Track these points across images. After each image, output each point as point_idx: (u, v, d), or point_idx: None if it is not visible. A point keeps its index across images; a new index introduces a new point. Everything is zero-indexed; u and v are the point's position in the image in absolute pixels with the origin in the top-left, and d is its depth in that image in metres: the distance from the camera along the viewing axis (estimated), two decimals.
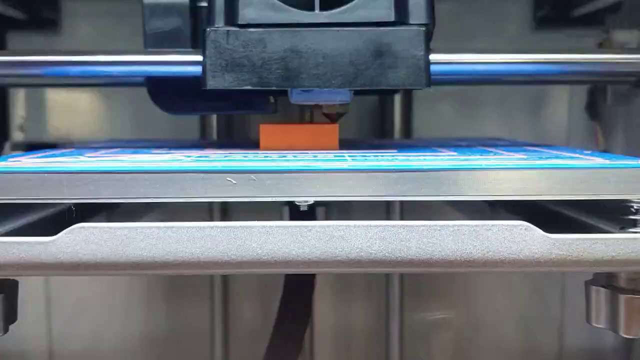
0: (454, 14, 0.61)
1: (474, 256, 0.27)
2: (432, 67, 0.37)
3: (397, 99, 0.61)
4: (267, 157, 0.34)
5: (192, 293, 0.63)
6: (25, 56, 0.42)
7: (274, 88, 0.36)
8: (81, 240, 0.27)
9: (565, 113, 0.62)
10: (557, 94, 0.62)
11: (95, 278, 0.61)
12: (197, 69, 0.37)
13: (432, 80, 0.37)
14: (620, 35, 0.55)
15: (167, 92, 0.42)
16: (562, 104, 0.62)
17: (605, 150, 0.59)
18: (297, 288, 0.44)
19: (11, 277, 0.30)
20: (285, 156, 0.35)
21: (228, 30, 0.36)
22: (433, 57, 0.38)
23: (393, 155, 0.35)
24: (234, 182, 0.28)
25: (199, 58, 0.37)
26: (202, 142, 0.57)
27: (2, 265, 0.27)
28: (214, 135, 0.61)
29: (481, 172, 0.29)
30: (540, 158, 0.33)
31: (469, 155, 0.35)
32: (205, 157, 0.34)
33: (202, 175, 0.28)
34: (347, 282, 0.63)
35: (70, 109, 0.62)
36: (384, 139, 0.60)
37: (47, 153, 0.38)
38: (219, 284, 0.62)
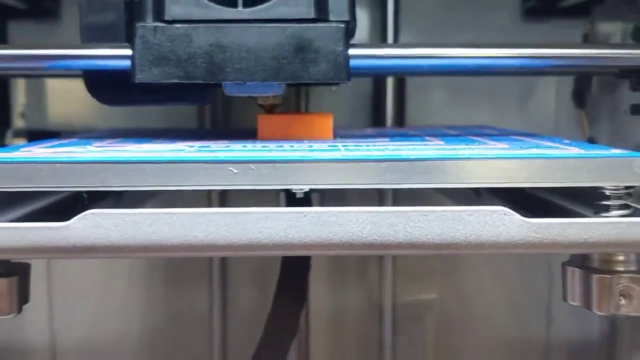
0: (444, 4, 0.62)
1: (457, 239, 0.29)
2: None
3: (390, 87, 0.61)
4: (265, 147, 0.36)
5: (191, 277, 0.63)
6: None
7: (200, 81, 0.37)
8: (93, 225, 0.29)
9: (552, 101, 0.63)
10: (545, 84, 0.63)
11: (95, 264, 0.62)
12: (129, 63, 0.38)
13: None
14: (605, 27, 0.56)
15: (104, 84, 0.42)
16: (549, 92, 0.63)
17: (591, 138, 0.61)
18: (294, 269, 0.45)
19: (23, 261, 0.32)
20: (282, 146, 0.36)
21: (155, 26, 0.37)
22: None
23: (384, 145, 0.37)
24: (235, 171, 0.30)
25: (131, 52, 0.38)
26: (201, 132, 0.59)
27: (19, 249, 0.29)
28: (211, 124, 0.62)
29: (465, 162, 0.31)
30: (522, 148, 0.35)
31: (456, 144, 0.37)
32: (207, 147, 0.36)
33: (205, 165, 0.30)
34: (342, 265, 0.64)
35: (70, 96, 0.62)
36: (377, 127, 0.62)
37: (55, 143, 0.39)
38: (217, 268, 0.62)
